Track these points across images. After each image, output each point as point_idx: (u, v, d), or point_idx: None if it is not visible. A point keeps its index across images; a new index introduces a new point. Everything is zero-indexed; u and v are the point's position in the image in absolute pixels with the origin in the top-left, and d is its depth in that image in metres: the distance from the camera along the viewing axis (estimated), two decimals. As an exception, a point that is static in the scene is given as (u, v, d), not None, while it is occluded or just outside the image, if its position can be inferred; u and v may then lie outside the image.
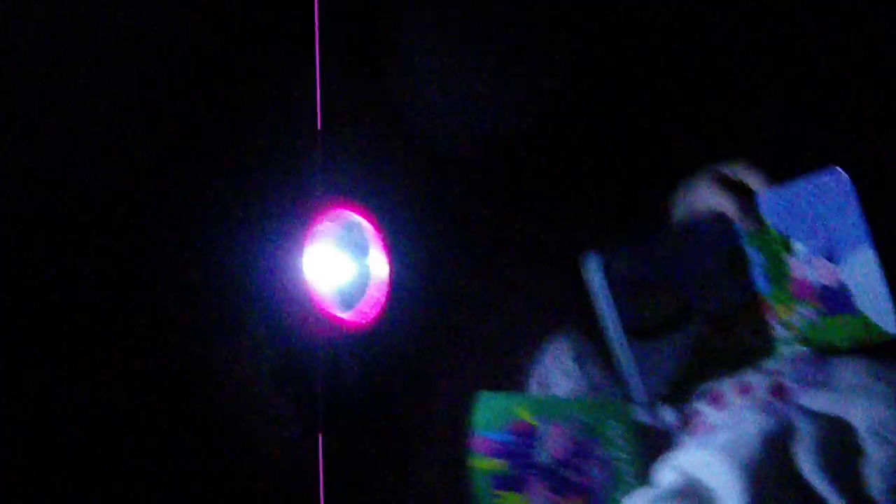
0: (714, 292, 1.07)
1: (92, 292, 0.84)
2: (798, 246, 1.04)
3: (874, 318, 0.99)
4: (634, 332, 1.04)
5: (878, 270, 0.98)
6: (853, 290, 1.00)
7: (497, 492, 1.01)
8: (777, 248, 1.05)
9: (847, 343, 1.01)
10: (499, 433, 1.04)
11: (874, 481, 0.88)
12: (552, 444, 1.04)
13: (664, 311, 1.06)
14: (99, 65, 0.83)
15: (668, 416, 1.08)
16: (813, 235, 1.02)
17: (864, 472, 0.89)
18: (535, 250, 1.20)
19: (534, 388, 1.10)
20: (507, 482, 1.02)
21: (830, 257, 1.01)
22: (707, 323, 1.07)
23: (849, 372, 0.99)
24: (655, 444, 1.06)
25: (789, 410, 0.96)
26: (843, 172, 0.99)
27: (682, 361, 1.06)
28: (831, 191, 1.00)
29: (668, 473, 0.94)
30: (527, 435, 1.04)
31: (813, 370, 1.02)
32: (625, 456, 1.04)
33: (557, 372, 1.10)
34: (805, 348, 1.04)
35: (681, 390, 1.07)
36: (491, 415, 1.05)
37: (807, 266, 1.03)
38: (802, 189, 1.02)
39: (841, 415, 0.95)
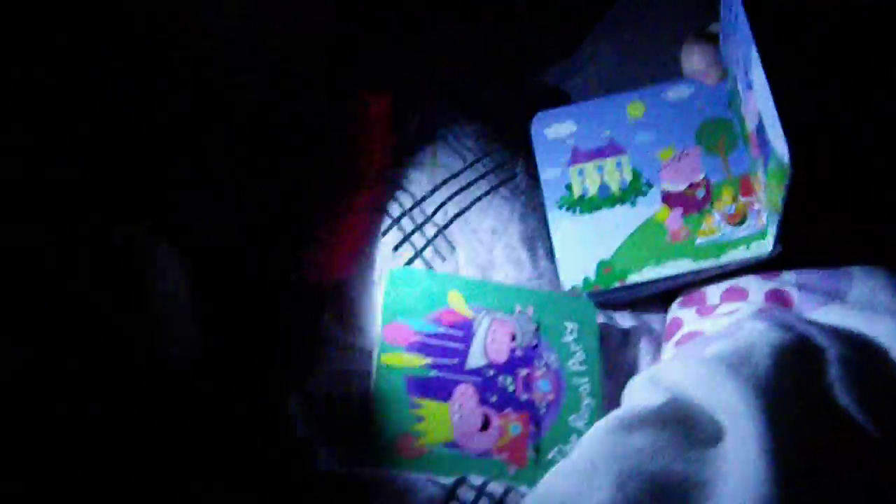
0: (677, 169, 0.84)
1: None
2: (739, 87, 0.81)
3: (777, 148, 0.72)
4: (572, 203, 0.86)
5: (763, 72, 0.72)
6: (763, 114, 0.75)
7: (414, 398, 0.75)
8: (738, 101, 0.82)
9: (778, 199, 0.75)
10: (421, 321, 0.78)
11: None
12: (490, 344, 0.78)
13: (613, 181, 0.85)
14: None
15: (629, 321, 0.84)
16: (736, 62, 0.80)
17: None
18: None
19: (472, 274, 0.84)
20: (428, 386, 0.76)
21: (749, 84, 0.78)
22: (667, 203, 0.83)
23: (866, 286, 0.76)
24: (623, 355, 0.81)
25: (801, 324, 0.72)
26: None
27: (625, 243, 0.84)
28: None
29: (647, 390, 0.70)
30: (458, 328, 0.78)
31: (820, 278, 0.78)
32: (582, 368, 0.79)
33: (504, 256, 0.84)
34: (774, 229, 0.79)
35: (616, 278, 0.83)
36: (413, 296, 0.79)
37: (748, 109, 0.80)
38: (724, 15, 0.81)
39: (869, 339, 0.72)
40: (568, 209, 0.86)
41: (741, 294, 0.80)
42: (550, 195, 0.86)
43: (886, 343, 0.71)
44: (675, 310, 0.83)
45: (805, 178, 0.69)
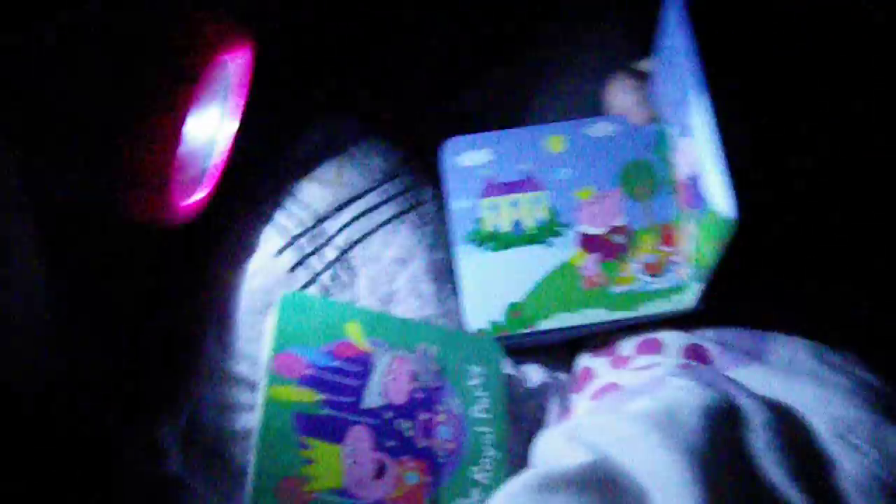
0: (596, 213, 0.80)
1: None
2: (671, 132, 0.78)
3: (715, 203, 0.68)
4: (482, 238, 0.80)
5: (710, 120, 0.67)
6: (702, 164, 0.70)
7: (303, 437, 0.67)
8: (668, 146, 0.79)
9: (709, 254, 0.70)
10: (316, 352, 0.70)
11: (852, 499, 0.62)
12: (389, 383, 0.71)
13: (528, 218, 0.80)
14: None
15: (536, 374, 0.78)
16: (675, 103, 0.76)
17: (836, 484, 0.63)
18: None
19: (373, 305, 0.76)
20: (319, 425, 0.68)
21: (685, 131, 0.74)
22: (584, 246, 0.79)
23: (786, 348, 0.74)
24: (527, 404, 0.76)
25: (725, 384, 0.69)
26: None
27: (537, 287, 0.78)
28: (672, 33, 0.73)
29: (568, 448, 0.64)
30: (355, 363, 0.71)
31: (739, 337, 0.75)
32: (487, 416, 0.73)
33: (407, 289, 0.78)
34: (699, 284, 0.75)
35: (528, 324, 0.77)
36: (308, 324, 0.71)
37: (681, 156, 0.76)
38: (662, 54, 0.76)
39: (791, 404, 0.69)
40: (478, 244, 0.80)
41: (657, 347, 0.76)
42: (459, 228, 0.80)
43: (809, 408, 0.68)
44: (586, 359, 0.78)
45: (744, 236, 0.65)
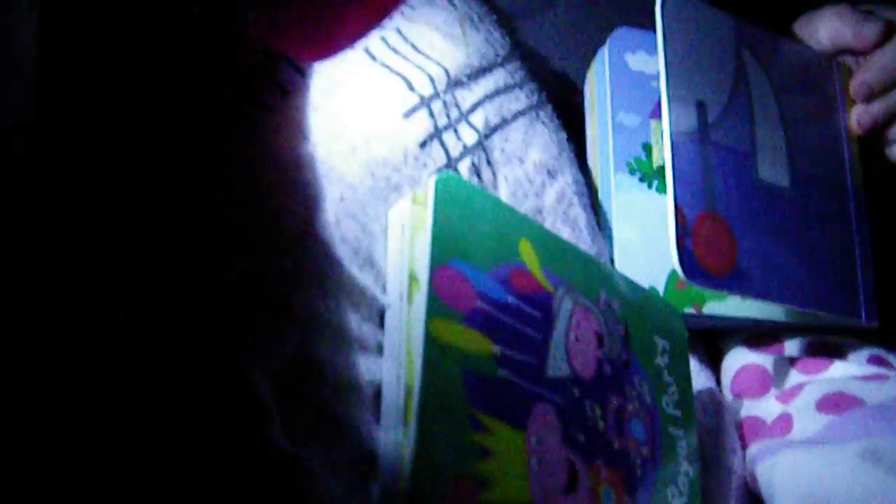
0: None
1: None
2: None
3: None
4: (647, 171, 0.57)
5: None
6: None
7: (478, 412, 0.39)
8: None
9: None
10: (484, 275, 0.43)
11: None
12: (574, 345, 0.45)
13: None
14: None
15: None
16: None
17: None
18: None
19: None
20: (495, 396, 0.40)
21: None
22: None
23: None
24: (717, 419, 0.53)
25: None
26: None
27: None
28: None
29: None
30: (534, 304, 0.44)
31: None
32: (677, 413, 0.49)
33: (556, 210, 0.52)
34: None
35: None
36: (473, 229, 0.43)
37: None
38: None
39: None
40: (641, 178, 0.57)
41: (839, 352, 0.56)
42: (618, 150, 0.57)
43: None
44: (745, 354, 0.57)
45: None
